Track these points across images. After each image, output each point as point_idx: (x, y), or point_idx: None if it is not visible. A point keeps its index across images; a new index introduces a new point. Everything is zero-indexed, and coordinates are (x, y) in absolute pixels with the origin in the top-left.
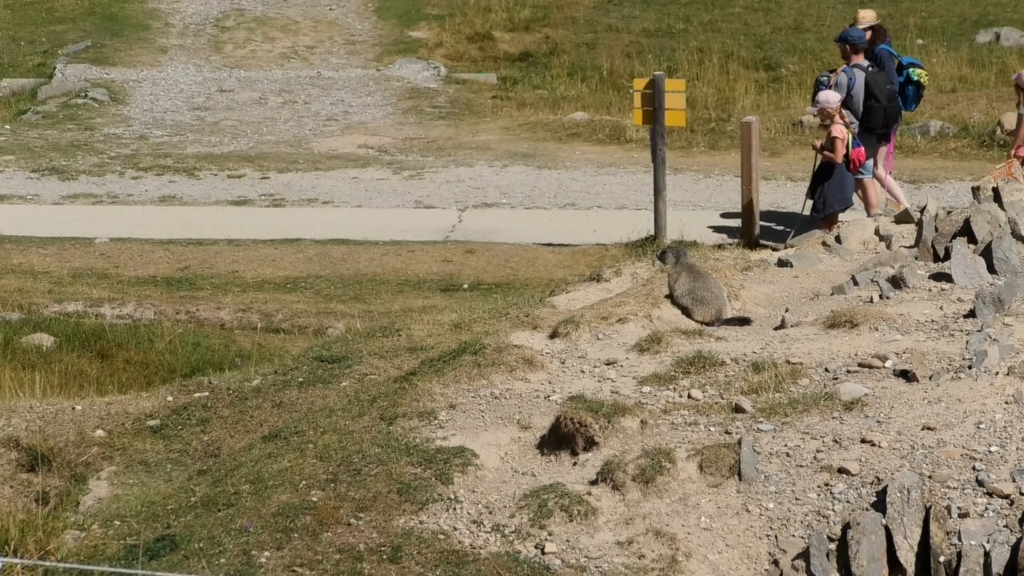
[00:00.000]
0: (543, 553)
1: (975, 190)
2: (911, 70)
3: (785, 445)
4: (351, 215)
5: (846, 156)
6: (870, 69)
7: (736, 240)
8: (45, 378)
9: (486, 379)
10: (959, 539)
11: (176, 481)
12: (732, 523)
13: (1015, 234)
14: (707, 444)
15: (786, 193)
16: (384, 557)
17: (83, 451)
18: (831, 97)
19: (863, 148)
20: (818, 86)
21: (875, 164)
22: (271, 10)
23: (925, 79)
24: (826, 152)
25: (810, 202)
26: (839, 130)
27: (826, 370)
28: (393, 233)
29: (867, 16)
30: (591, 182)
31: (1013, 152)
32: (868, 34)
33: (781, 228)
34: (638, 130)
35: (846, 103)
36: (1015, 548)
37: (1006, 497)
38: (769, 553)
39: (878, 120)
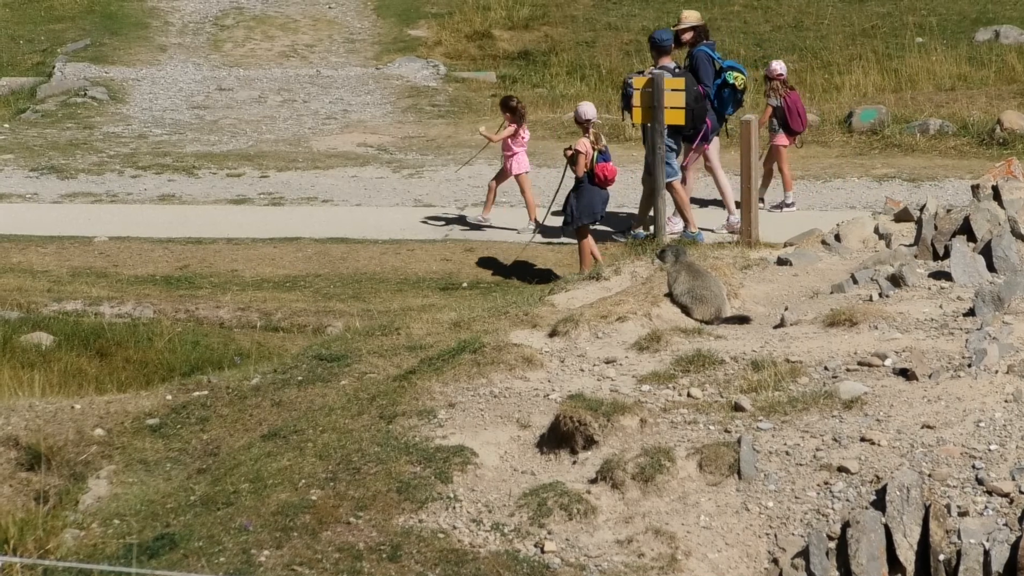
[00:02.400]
0: (542, 552)
1: (975, 188)
2: (728, 73)
3: (784, 444)
4: (350, 214)
5: (591, 170)
6: (677, 70)
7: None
8: (44, 377)
9: (485, 378)
10: (959, 537)
11: (175, 480)
12: (731, 522)
13: (1015, 232)
14: (706, 443)
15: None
16: (383, 556)
17: (82, 450)
18: (587, 109)
19: (610, 164)
20: (625, 88)
21: (674, 162)
22: (270, 8)
23: (741, 83)
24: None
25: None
26: (584, 144)
27: (826, 368)
28: (392, 232)
29: (689, 17)
30: None
31: (771, 142)
32: (690, 35)
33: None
34: (637, 128)
35: None
36: (1015, 546)
37: (1006, 495)
38: (768, 552)
39: (687, 121)
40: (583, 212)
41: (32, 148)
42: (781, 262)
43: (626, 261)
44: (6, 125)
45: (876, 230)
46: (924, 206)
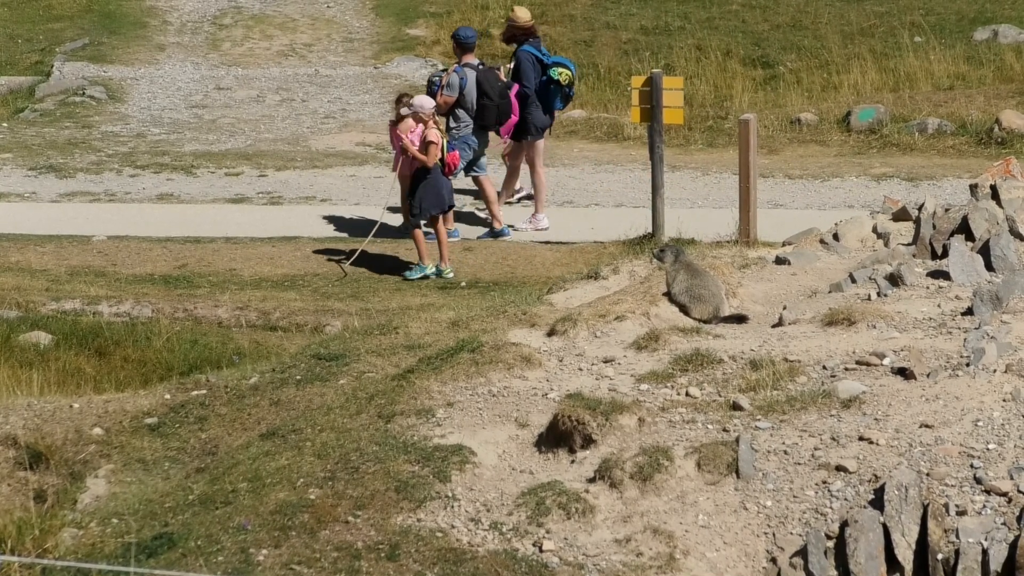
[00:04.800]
0: (541, 551)
1: (973, 188)
2: (553, 70)
3: (783, 443)
4: (349, 213)
5: (441, 160)
6: (481, 67)
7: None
8: (43, 376)
9: (484, 377)
10: (957, 537)
11: (174, 479)
12: (730, 521)
13: (1013, 231)
14: (705, 442)
15: (784, 190)
16: (382, 555)
17: (81, 449)
18: (425, 102)
19: (458, 152)
20: (431, 85)
21: (481, 159)
22: (269, 8)
23: (567, 79)
24: (419, 156)
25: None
26: (434, 135)
27: (824, 368)
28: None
29: (520, 17)
30: (589, 180)
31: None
32: (512, 33)
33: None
34: (636, 128)
35: (459, 101)
36: (1013, 546)
37: (1004, 495)
38: (767, 551)
39: (490, 117)
40: (433, 203)
41: (30, 147)
42: (779, 261)
43: (625, 260)
44: (4, 124)
45: (874, 229)
46: (922, 205)
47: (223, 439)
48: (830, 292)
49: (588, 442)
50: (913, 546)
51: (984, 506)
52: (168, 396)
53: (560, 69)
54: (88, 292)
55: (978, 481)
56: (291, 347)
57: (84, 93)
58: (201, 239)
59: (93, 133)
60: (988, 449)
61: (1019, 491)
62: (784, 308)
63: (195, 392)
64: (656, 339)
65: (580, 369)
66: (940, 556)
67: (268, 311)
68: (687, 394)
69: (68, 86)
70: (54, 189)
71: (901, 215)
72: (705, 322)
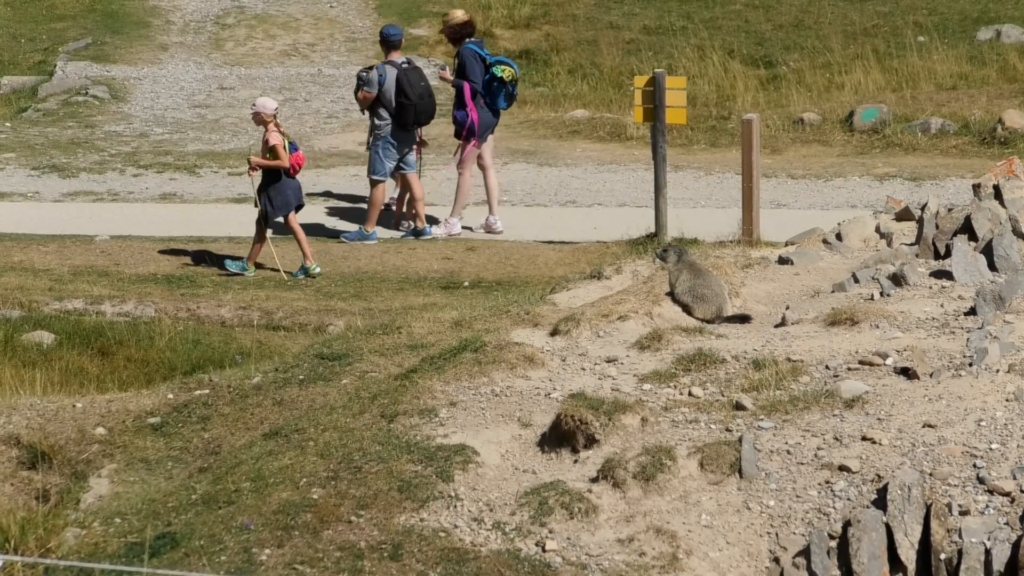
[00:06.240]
0: (544, 551)
1: (976, 187)
2: (496, 67)
3: (786, 443)
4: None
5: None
6: (404, 66)
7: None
8: (45, 376)
9: (487, 376)
10: (960, 537)
11: (177, 479)
12: (733, 520)
13: (1016, 231)
14: (708, 442)
15: (787, 190)
16: (385, 555)
17: (84, 449)
18: (267, 104)
19: (301, 152)
20: (358, 81)
21: (418, 158)
22: (272, 7)
23: (510, 76)
24: (269, 162)
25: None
26: (276, 137)
27: (827, 367)
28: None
29: (456, 16)
30: (592, 179)
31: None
32: (452, 32)
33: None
34: (639, 127)
35: (379, 99)
36: (1016, 546)
37: (1007, 495)
38: (770, 551)
39: (409, 117)
40: (281, 206)
41: (33, 147)
42: (782, 261)
43: (627, 260)
44: (8, 124)
45: (877, 229)
46: (925, 205)
47: (226, 439)
48: (833, 292)
49: (591, 442)
50: (916, 546)
51: (987, 506)
52: (171, 396)
53: (503, 67)
54: (91, 292)
55: (981, 481)
56: (294, 347)
57: (87, 93)
58: (204, 239)
59: (96, 133)
60: (991, 449)
61: (1022, 491)
62: (787, 308)
63: (198, 392)
64: (659, 339)
65: (583, 369)
66: (943, 556)
67: (271, 311)
68: (690, 394)
69: (71, 86)
70: (57, 189)
71: (904, 215)
72: (708, 322)
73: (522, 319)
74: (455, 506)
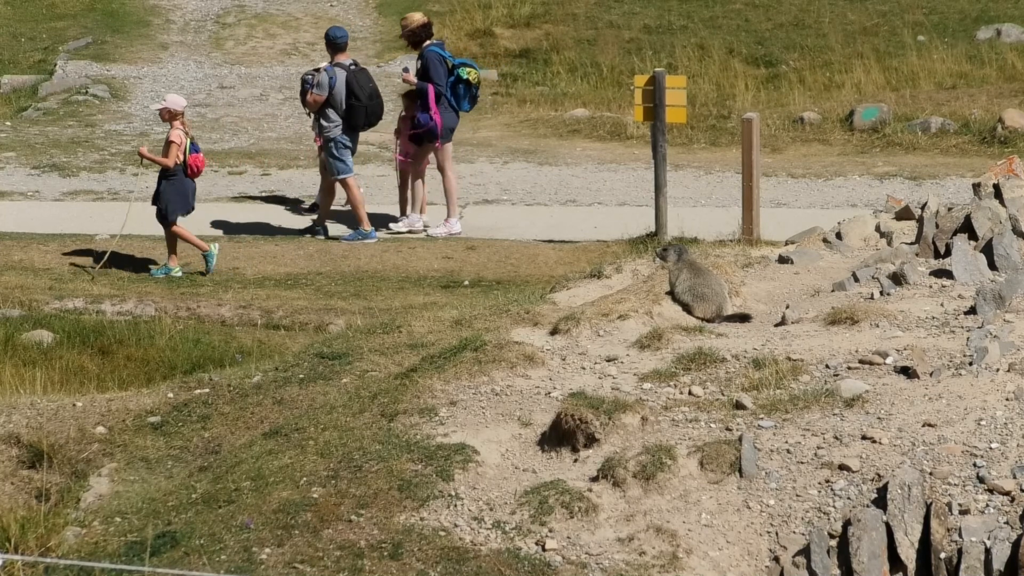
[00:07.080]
0: (544, 550)
1: (976, 186)
2: (460, 69)
3: (786, 442)
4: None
5: (184, 162)
6: (352, 67)
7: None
8: (46, 375)
9: (487, 376)
10: (960, 536)
11: (177, 478)
12: (733, 520)
13: (1016, 230)
14: (708, 441)
15: (787, 189)
16: (385, 554)
17: (84, 448)
18: (178, 101)
19: (201, 154)
20: (304, 84)
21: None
22: (272, 6)
23: (475, 78)
24: (157, 158)
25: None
26: (177, 135)
27: (827, 367)
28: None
29: (414, 18)
30: (592, 179)
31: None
32: (414, 35)
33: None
34: (639, 127)
35: (328, 101)
36: (1016, 545)
37: (1007, 494)
38: (770, 550)
39: (359, 118)
40: (178, 206)
41: (34, 146)
42: (782, 260)
43: (628, 259)
44: (8, 123)
45: (877, 228)
46: (925, 204)
47: (226, 438)
48: (833, 291)
49: (591, 441)
50: (916, 545)
51: (987, 505)
52: (171, 395)
53: (467, 69)
54: (91, 291)
55: (981, 480)
56: (294, 346)
57: (87, 92)
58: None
59: (96, 132)
60: (991, 448)
61: (1022, 490)
62: (787, 307)
63: (198, 391)
64: (659, 338)
65: (583, 368)
66: (943, 555)
67: (271, 310)
68: (690, 393)
69: (71, 85)
70: (57, 188)
71: (904, 214)
72: (708, 321)
73: (522, 318)
74: (455, 505)
